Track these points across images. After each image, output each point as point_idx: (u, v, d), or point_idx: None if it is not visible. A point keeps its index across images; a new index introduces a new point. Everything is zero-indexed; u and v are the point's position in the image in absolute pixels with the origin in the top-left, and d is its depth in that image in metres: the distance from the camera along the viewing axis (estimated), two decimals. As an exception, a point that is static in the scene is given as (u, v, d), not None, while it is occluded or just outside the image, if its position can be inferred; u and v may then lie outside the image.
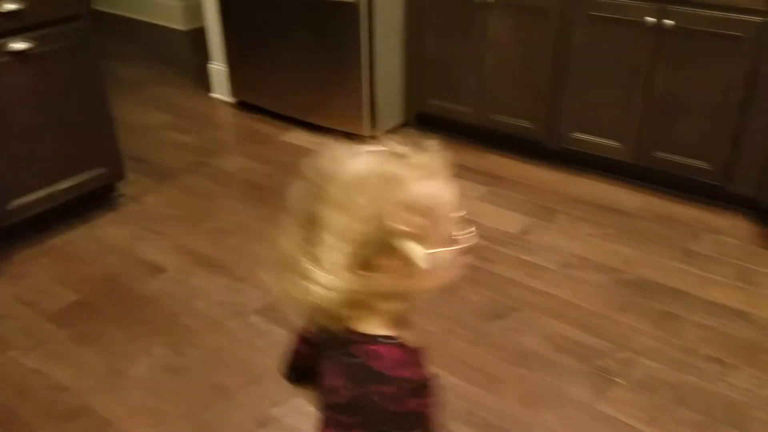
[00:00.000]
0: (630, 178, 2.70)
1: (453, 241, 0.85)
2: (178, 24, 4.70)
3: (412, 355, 0.89)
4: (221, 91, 3.57)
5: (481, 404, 1.76)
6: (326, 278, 0.82)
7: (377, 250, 0.82)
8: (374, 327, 0.87)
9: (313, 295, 0.84)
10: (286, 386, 1.81)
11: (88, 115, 2.44)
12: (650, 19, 2.34)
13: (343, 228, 0.81)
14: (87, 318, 2.09)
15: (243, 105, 3.47)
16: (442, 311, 2.07)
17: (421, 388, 0.87)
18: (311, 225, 0.84)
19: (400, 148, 0.86)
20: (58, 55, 2.29)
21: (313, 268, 0.83)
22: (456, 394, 1.79)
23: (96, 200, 2.60)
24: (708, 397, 1.78)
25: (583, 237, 2.41)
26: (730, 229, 2.42)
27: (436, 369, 1.88)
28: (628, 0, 2.39)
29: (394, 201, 0.81)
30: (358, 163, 0.85)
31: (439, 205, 0.84)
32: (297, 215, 0.86)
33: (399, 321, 0.90)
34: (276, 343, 1.97)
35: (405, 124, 3.17)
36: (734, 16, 2.23)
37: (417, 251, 0.82)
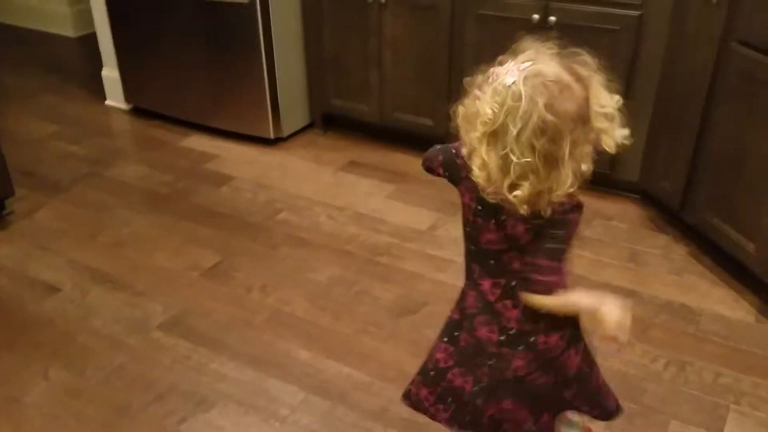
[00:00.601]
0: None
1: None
2: (68, 31, 4.49)
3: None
4: (115, 98, 3.44)
5: (395, 401, 1.75)
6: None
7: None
8: None
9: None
10: (194, 401, 1.79)
11: (-33, 130, 2.31)
12: (536, 17, 2.43)
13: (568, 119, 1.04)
14: (-24, 345, 1.98)
15: (139, 111, 3.36)
16: (353, 311, 2.09)
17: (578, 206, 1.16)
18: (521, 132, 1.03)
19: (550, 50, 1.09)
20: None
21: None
22: (370, 392, 1.81)
23: (-18, 219, 2.47)
24: (605, 373, 1.86)
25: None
26: (619, 214, 2.55)
27: (349, 369, 1.88)
28: (514, -2, 2.46)
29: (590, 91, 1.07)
30: (550, 67, 1.06)
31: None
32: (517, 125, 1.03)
33: None
34: (181, 358, 1.93)
35: (311, 125, 3.16)
36: (611, 10, 2.34)
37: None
